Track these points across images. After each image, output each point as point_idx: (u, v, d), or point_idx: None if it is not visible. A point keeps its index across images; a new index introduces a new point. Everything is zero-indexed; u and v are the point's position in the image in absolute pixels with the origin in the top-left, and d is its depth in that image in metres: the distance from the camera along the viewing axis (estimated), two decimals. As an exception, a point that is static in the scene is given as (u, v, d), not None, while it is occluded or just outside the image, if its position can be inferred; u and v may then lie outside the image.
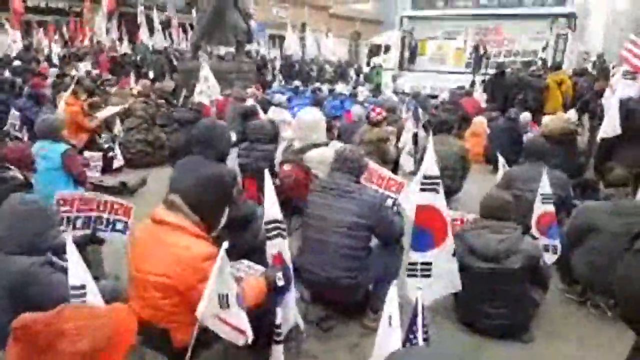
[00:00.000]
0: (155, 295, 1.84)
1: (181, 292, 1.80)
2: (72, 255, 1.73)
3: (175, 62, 12.53)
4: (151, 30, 15.46)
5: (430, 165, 2.52)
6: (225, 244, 1.61)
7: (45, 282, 1.93)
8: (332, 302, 2.92)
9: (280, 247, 2.21)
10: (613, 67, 9.08)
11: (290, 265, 2.24)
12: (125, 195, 4.93)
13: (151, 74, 11.30)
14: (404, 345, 1.45)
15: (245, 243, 2.62)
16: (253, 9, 11.52)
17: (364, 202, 2.68)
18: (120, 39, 14.98)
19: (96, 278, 1.93)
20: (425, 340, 1.42)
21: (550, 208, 3.16)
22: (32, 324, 1.44)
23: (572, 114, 6.12)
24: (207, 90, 6.65)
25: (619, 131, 4.39)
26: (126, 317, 1.61)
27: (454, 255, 2.61)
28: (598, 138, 4.64)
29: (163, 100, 7.45)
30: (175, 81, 10.26)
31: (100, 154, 5.69)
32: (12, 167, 2.93)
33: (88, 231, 2.83)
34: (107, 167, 5.77)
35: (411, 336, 1.45)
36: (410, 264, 2.58)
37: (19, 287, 1.90)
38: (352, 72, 17.89)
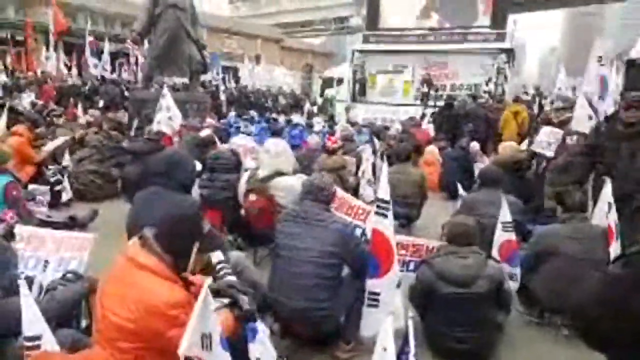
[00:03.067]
0: (116, 337, 1.71)
1: (146, 339, 1.69)
2: (27, 305, 1.59)
3: (126, 93, 12.22)
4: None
5: (384, 190, 2.57)
6: (209, 280, 1.52)
7: None
8: (302, 335, 2.84)
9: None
10: (549, 100, 9.74)
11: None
12: (75, 230, 4.67)
13: (101, 104, 10.94)
14: None
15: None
16: (204, 40, 11.50)
17: (335, 230, 2.66)
18: (70, 69, 14.51)
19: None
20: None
21: (512, 236, 3.26)
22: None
23: (525, 144, 6.46)
24: (167, 120, 6.49)
25: None
26: None
27: (398, 286, 2.64)
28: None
29: (115, 131, 7.17)
30: (126, 111, 9.98)
31: (47, 187, 5.35)
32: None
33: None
34: (55, 201, 5.42)
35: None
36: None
37: None
38: (307, 103, 18.21)
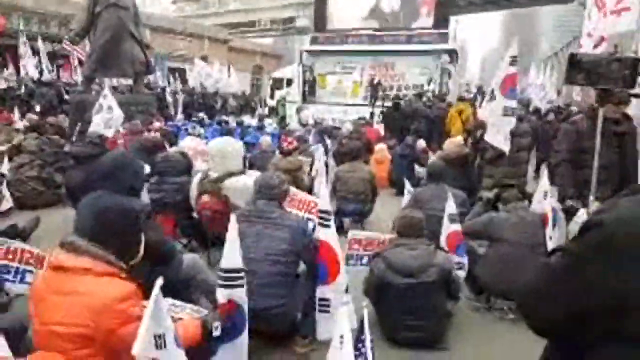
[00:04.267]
0: (68, 348, 1.66)
1: (99, 340, 1.65)
2: None
3: (65, 96, 11.59)
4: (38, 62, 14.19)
5: (325, 201, 2.65)
6: (160, 281, 1.51)
7: None
8: (260, 333, 2.84)
9: (238, 296, 2.19)
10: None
11: (246, 316, 2.19)
12: (18, 240, 4.39)
13: (37, 108, 10.33)
14: None
15: (165, 280, 2.49)
16: (148, 39, 11.03)
17: (290, 227, 2.70)
18: (1, 72, 13.52)
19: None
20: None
21: (457, 227, 3.44)
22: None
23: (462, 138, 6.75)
24: (108, 121, 6.23)
25: None
26: None
27: (346, 291, 2.74)
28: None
29: (57, 136, 6.81)
30: (66, 115, 9.47)
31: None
32: None
33: None
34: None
35: (359, 357, 1.47)
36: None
37: None
38: (258, 106, 18.10)
